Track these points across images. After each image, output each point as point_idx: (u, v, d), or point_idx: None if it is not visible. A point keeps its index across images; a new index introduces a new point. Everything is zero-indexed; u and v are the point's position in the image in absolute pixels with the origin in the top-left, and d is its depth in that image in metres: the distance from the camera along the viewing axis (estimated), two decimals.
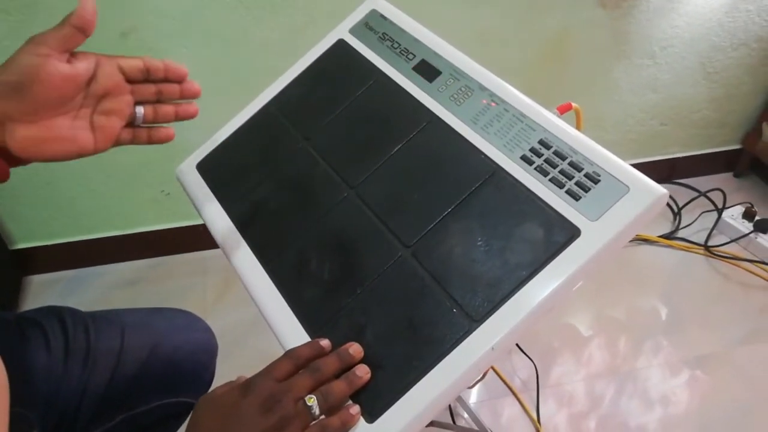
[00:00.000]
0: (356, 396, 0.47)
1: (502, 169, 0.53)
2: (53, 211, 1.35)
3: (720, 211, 1.57)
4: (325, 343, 0.49)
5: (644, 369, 1.23)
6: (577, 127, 0.64)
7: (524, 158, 0.53)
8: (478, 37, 1.33)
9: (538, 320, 0.47)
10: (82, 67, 0.45)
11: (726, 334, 1.30)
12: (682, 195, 1.67)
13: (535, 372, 1.16)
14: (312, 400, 0.44)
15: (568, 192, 0.50)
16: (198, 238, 1.44)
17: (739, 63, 1.54)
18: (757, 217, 1.53)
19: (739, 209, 1.58)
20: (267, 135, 0.66)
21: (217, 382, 0.50)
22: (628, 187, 0.48)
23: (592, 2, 1.33)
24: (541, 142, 0.53)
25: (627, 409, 1.15)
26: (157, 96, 0.51)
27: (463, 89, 0.59)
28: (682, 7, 1.39)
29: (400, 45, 0.64)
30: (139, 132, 0.52)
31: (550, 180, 0.51)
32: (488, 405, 1.16)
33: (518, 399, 1.16)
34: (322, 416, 0.45)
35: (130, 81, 0.49)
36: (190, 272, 1.44)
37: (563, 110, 0.66)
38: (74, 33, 0.43)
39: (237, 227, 0.61)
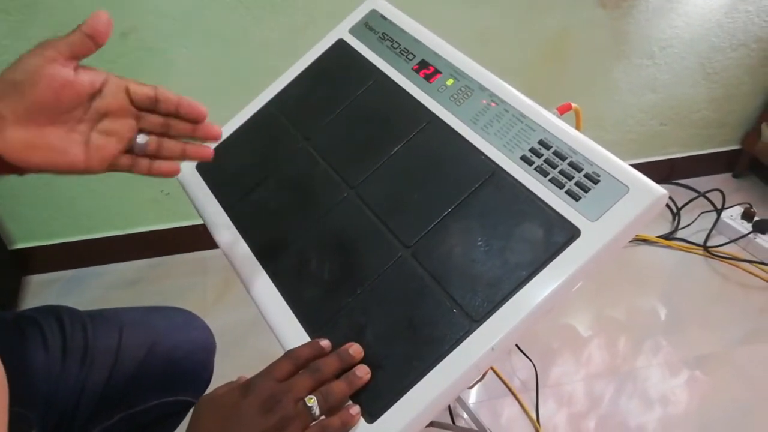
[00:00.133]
0: (356, 396, 0.47)
1: (502, 169, 0.53)
2: (53, 211, 1.35)
3: (719, 212, 1.57)
4: (325, 343, 0.49)
5: (644, 369, 1.23)
6: (577, 128, 0.64)
7: (524, 158, 0.53)
8: (478, 37, 1.33)
9: (538, 320, 0.47)
10: (86, 77, 0.44)
11: (726, 334, 1.30)
12: (682, 195, 1.67)
13: (534, 372, 1.16)
14: (312, 401, 0.44)
15: (568, 192, 0.50)
16: (198, 238, 1.43)
17: (738, 63, 1.54)
18: (756, 218, 1.53)
19: (739, 210, 1.58)
20: (267, 135, 0.66)
21: (217, 382, 0.50)
22: (627, 187, 0.48)
23: (592, 2, 1.33)
24: (541, 143, 0.53)
25: (627, 410, 1.15)
26: (163, 129, 0.49)
27: (463, 89, 0.59)
28: (682, 7, 1.39)
29: (400, 45, 0.64)
30: (140, 161, 0.50)
31: (549, 180, 0.51)
32: (488, 405, 1.15)
33: (518, 399, 1.16)
34: (323, 416, 0.45)
35: (137, 107, 0.48)
36: (190, 272, 1.44)
37: (563, 110, 0.66)
38: (83, 40, 0.42)
39: (237, 227, 0.61)
